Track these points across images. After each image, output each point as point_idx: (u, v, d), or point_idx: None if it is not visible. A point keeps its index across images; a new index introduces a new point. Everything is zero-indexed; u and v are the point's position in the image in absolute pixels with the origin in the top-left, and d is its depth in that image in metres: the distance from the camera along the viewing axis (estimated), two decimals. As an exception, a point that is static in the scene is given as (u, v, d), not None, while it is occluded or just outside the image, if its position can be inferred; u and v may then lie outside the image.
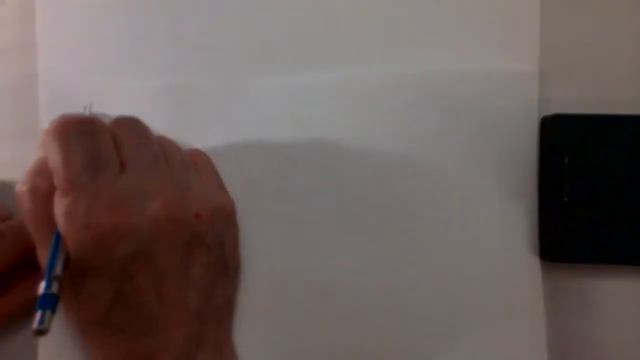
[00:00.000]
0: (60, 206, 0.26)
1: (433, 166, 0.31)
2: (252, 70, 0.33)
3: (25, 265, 0.30)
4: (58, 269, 0.25)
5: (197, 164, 0.31)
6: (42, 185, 0.27)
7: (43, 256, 0.27)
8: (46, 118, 0.33)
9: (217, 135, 0.32)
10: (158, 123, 0.31)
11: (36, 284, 0.31)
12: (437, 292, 0.31)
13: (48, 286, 0.25)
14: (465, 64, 0.32)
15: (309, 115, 0.32)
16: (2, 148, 0.34)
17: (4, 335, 0.32)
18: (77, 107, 0.33)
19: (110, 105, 0.32)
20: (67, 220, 0.26)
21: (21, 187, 0.28)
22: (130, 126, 0.30)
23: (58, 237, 0.26)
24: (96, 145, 0.27)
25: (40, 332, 0.24)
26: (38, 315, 0.24)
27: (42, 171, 0.27)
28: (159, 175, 0.28)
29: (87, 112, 0.32)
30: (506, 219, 0.31)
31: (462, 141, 0.31)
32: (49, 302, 0.25)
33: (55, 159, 0.27)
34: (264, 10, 0.33)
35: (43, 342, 0.31)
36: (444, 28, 0.32)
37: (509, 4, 0.32)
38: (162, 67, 0.33)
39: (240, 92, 0.33)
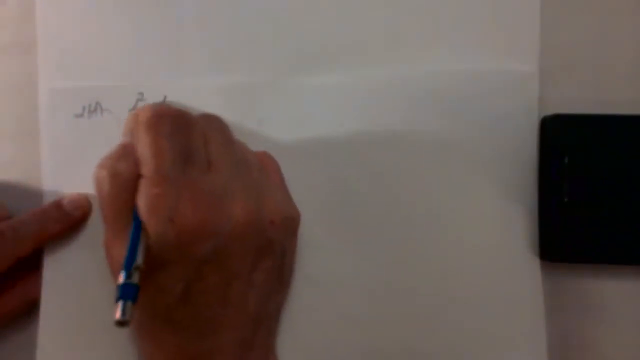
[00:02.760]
0: (146, 196, 0.25)
1: (433, 166, 0.31)
2: (253, 71, 0.33)
3: (25, 265, 0.31)
4: (139, 259, 0.25)
5: (266, 168, 0.31)
6: (125, 171, 0.26)
7: (114, 244, 0.27)
8: (46, 118, 0.33)
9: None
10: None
11: (36, 283, 0.31)
12: (437, 292, 0.31)
13: (129, 276, 0.24)
14: (465, 64, 0.32)
15: (310, 116, 0.32)
16: (2, 148, 0.34)
17: (4, 335, 0.32)
18: (77, 107, 0.33)
19: (110, 105, 0.33)
20: (152, 211, 0.25)
21: (101, 171, 0.27)
22: (216, 125, 0.29)
23: (138, 226, 0.25)
24: (188, 141, 0.27)
25: (122, 323, 0.23)
26: (119, 305, 0.23)
27: (125, 157, 0.27)
28: (241, 178, 0.28)
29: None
30: (506, 219, 0.31)
31: (462, 141, 0.31)
32: (130, 292, 0.24)
33: (146, 149, 0.26)
34: (264, 11, 0.33)
35: (42, 342, 0.31)
36: (444, 28, 0.32)
37: (509, 4, 0.32)
38: (162, 67, 0.33)
39: (241, 92, 0.33)
